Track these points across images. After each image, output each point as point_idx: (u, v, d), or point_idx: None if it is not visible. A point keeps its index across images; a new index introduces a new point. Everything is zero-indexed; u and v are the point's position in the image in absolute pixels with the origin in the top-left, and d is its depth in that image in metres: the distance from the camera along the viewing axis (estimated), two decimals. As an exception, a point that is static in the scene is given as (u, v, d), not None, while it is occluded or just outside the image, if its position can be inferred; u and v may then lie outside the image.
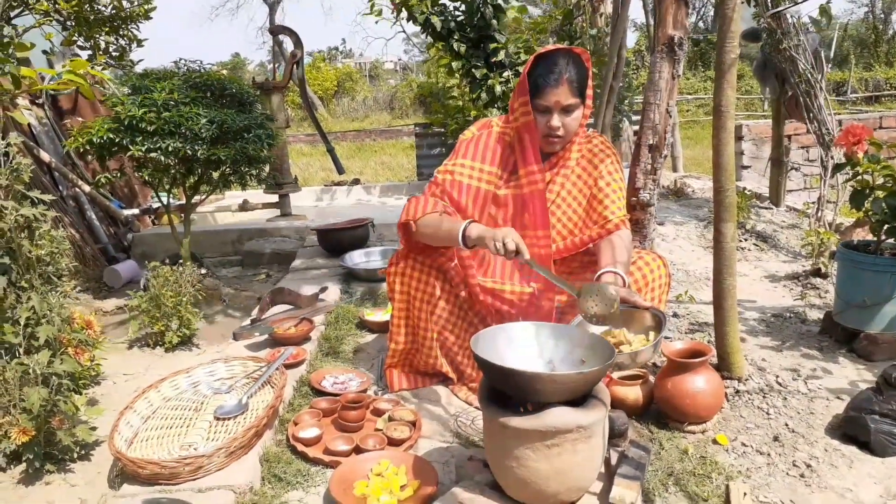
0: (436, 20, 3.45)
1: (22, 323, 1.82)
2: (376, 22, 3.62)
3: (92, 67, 2.19)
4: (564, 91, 1.96)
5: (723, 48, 1.97)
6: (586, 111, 2.06)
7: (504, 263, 2.17)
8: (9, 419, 1.78)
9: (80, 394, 2.07)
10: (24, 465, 1.85)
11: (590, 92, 2.04)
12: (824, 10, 3.47)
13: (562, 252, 2.12)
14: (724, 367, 2.15)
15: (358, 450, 1.82)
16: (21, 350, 1.83)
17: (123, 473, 1.75)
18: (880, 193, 2.37)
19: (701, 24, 23.07)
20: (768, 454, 1.82)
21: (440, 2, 3.53)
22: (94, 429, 1.95)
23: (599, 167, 2.10)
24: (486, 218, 2.11)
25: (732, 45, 1.96)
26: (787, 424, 1.95)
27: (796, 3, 3.85)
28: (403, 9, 3.52)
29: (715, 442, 1.88)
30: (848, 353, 2.42)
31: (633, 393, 1.99)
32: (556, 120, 1.99)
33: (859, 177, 2.45)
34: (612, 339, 1.71)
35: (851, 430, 1.86)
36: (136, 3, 3.79)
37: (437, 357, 2.20)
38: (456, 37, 3.50)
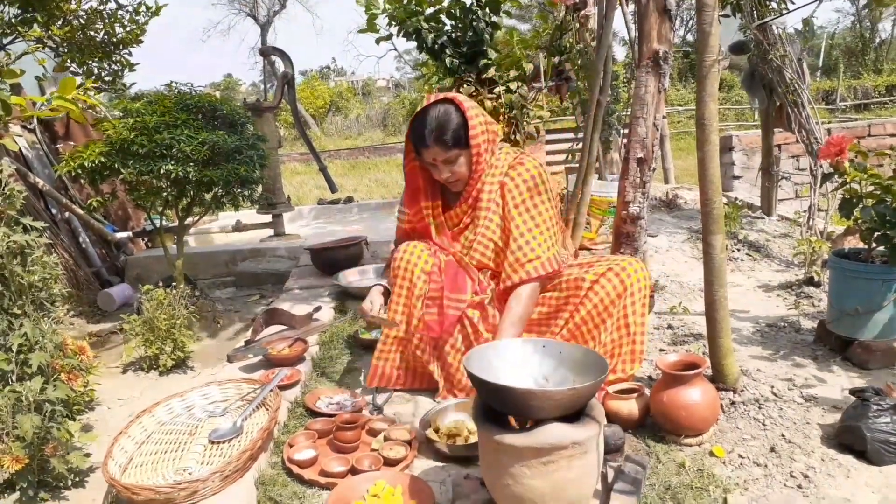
0: (427, 35, 3.46)
1: (14, 350, 1.81)
2: (377, 42, 3.61)
3: (84, 93, 2.19)
4: (435, 150, 2.15)
5: (702, 62, 1.99)
6: (487, 144, 2.19)
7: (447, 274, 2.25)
8: (2, 447, 1.76)
9: (74, 420, 2.07)
10: (17, 493, 1.84)
11: (476, 132, 2.15)
12: (808, 23, 3.51)
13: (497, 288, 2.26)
14: (718, 378, 2.15)
15: (354, 471, 1.81)
16: (13, 377, 1.82)
17: (118, 500, 1.73)
18: (869, 201, 2.38)
19: (689, 36, 23.30)
20: (765, 465, 1.82)
21: (439, 16, 3.54)
22: (87, 455, 1.94)
23: (510, 203, 2.19)
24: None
25: (711, 58, 1.98)
26: (783, 435, 1.95)
27: (781, 15, 3.89)
28: (396, 24, 3.53)
29: (712, 454, 1.88)
30: (842, 361, 2.42)
31: (629, 407, 1.99)
32: (441, 173, 2.21)
33: (847, 186, 2.46)
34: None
35: (847, 439, 1.86)
36: (128, 29, 3.81)
37: (426, 350, 2.23)
38: (448, 52, 3.51)
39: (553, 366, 1.63)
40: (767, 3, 3.88)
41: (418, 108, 2.21)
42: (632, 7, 3.07)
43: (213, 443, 1.92)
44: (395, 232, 2.51)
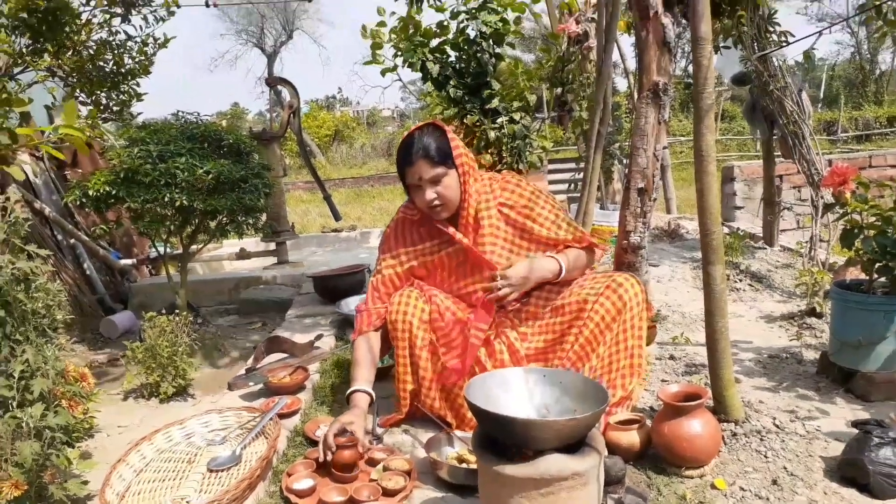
0: (432, 66, 3.52)
1: (16, 376, 1.82)
2: (383, 73, 3.67)
3: (90, 125, 2.22)
4: (421, 165, 2.11)
5: (699, 95, 2.02)
6: (468, 166, 2.18)
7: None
8: (0, 473, 1.76)
9: (74, 447, 2.06)
10: (14, 521, 1.83)
11: (459, 151, 2.16)
12: (808, 56, 3.55)
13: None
14: (720, 409, 2.13)
15: (352, 501, 1.79)
16: (14, 404, 1.82)
17: (115, 529, 1.72)
18: (870, 232, 2.39)
19: (691, 68, 23.51)
20: (767, 498, 1.80)
21: (443, 48, 3.59)
22: (86, 482, 1.93)
23: (525, 211, 2.25)
24: (419, 280, 2.33)
25: (707, 91, 2.01)
26: (785, 467, 1.93)
27: (782, 47, 3.94)
28: (402, 56, 3.60)
29: (713, 486, 1.86)
30: (845, 393, 2.40)
31: (630, 438, 1.98)
32: (427, 194, 2.14)
33: (848, 216, 2.47)
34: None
35: (850, 472, 1.84)
36: (136, 60, 3.88)
37: (436, 398, 2.23)
38: (453, 83, 3.56)
39: (554, 395, 1.63)
40: (768, 35, 3.94)
41: (403, 135, 2.22)
42: (633, 39, 3.13)
43: (211, 471, 1.91)
44: (374, 286, 2.35)
